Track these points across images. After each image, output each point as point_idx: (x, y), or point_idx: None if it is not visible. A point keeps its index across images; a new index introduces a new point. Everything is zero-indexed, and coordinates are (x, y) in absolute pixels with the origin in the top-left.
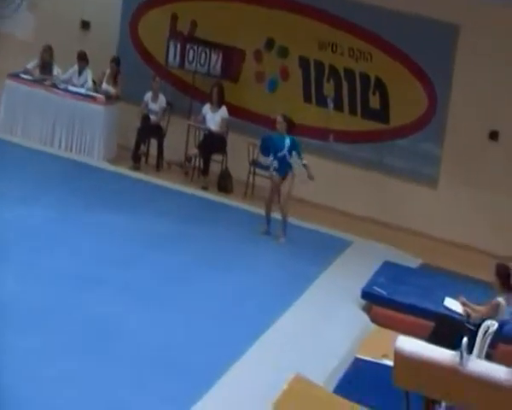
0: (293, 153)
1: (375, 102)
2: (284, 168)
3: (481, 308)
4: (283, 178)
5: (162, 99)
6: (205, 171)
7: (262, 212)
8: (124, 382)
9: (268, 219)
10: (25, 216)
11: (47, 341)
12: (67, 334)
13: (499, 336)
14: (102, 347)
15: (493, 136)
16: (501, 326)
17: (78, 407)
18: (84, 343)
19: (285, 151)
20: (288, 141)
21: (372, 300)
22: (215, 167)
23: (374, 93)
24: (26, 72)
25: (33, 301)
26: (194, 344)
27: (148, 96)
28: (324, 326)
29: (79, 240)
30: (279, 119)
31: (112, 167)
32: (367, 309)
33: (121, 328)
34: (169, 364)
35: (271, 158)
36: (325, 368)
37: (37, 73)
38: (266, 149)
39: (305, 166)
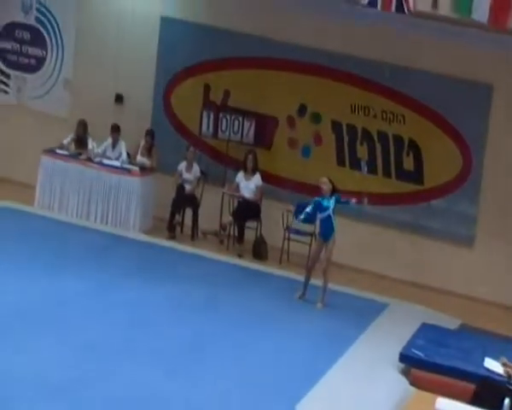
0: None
1: (409, 163)
2: (328, 231)
3: None
4: (324, 240)
5: (196, 168)
6: (240, 238)
7: (297, 278)
8: None
9: (306, 283)
10: (59, 287)
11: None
12: (99, 402)
13: None
14: None
15: None
16: None
17: None
18: None
19: (329, 211)
20: (332, 201)
21: (411, 363)
22: (250, 235)
23: (408, 154)
24: (62, 147)
25: (67, 370)
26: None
27: (183, 165)
28: (363, 391)
29: (114, 310)
30: (325, 180)
31: (148, 238)
32: (406, 372)
33: (156, 398)
34: None
35: (316, 220)
36: None
37: (72, 147)
38: (302, 211)
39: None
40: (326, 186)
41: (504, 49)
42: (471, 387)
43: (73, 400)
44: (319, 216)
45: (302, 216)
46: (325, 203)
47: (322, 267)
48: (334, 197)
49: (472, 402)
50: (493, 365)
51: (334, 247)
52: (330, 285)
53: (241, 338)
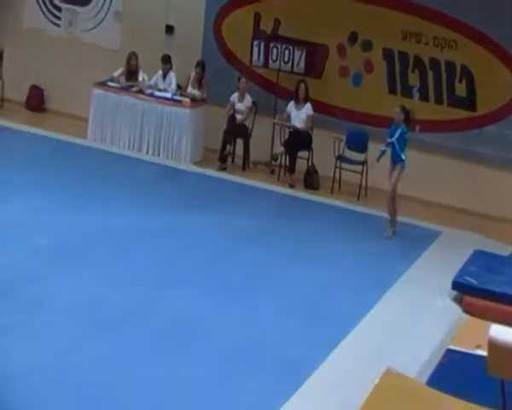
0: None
1: (461, 89)
2: (393, 158)
3: None
4: (393, 167)
5: (248, 99)
6: (291, 169)
7: (349, 206)
8: (212, 378)
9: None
10: (113, 219)
11: (132, 341)
12: (153, 333)
13: None
14: (188, 345)
15: None
16: None
17: (166, 406)
18: (170, 342)
19: (394, 139)
20: (398, 131)
21: (463, 290)
22: (301, 165)
23: (460, 81)
24: (113, 79)
25: (119, 302)
26: (285, 340)
27: (235, 96)
28: (416, 318)
29: (166, 240)
30: (397, 109)
31: (199, 169)
32: (459, 300)
33: (208, 326)
34: (261, 360)
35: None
36: (418, 360)
37: (123, 80)
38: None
39: (383, 152)
40: (396, 115)
41: None
42: None
43: (124, 332)
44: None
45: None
46: (393, 131)
47: (388, 195)
48: (400, 127)
49: None
50: None
51: (400, 175)
52: (379, 213)
53: (292, 269)
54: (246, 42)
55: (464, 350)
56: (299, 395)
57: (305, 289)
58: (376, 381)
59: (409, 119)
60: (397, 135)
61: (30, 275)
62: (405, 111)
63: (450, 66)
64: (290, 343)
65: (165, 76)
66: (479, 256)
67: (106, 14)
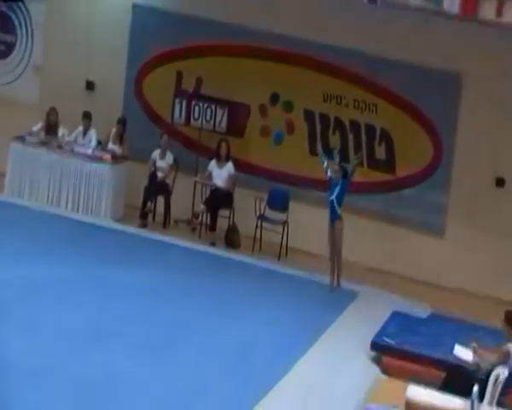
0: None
1: (380, 152)
2: (332, 215)
3: (491, 356)
4: (332, 225)
5: (170, 156)
6: (212, 227)
7: (269, 266)
8: None
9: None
10: (32, 275)
11: (51, 398)
12: (72, 389)
13: (510, 384)
14: (109, 401)
15: (499, 183)
16: (511, 374)
17: None
18: (91, 398)
19: (333, 197)
20: (337, 188)
21: (382, 350)
22: (222, 223)
23: (380, 144)
24: (32, 134)
25: (40, 358)
26: (202, 399)
27: (156, 153)
28: (334, 379)
29: (86, 297)
30: (335, 167)
31: (119, 226)
32: (377, 360)
33: (128, 382)
34: None
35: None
36: None
37: (42, 135)
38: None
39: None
40: (334, 173)
41: (473, 38)
42: (441, 374)
43: (41, 387)
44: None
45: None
46: (332, 188)
47: (332, 251)
48: (339, 184)
49: (440, 388)
50: (463, 351)
51: (341, 230)
52: (303, 273)
53: (213, 326)
54: (167, 99)
55: (380, 406)
56: None
57: (225, 345)
58: None
59: (346, 175)
60: (337, 192)
61: None
62: (343, 169)
63: (370, 128)
64: (210, 400)
65: (85, 132)
66: (397, 317)
67: (25, 67)
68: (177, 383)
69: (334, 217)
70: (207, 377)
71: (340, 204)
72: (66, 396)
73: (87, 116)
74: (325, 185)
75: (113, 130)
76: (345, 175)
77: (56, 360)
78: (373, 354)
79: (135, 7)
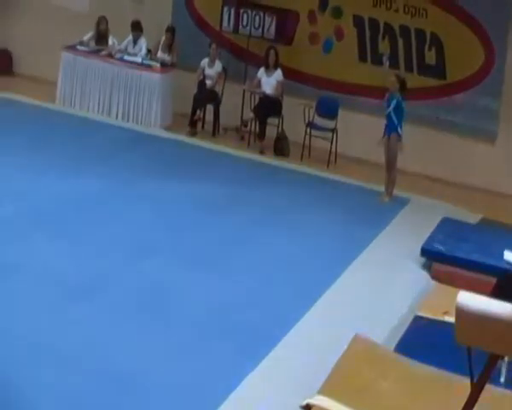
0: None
1: (431, 58)
2: (389, 128)
3: None
4: (388, 138)
5: (218, 64)
6: (261, 135)
7: (318, 173)
8: (183, 345)
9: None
10: (81, 186)
11: (103, 307)
12: (124, 300)
13: None
14: (161, 312)
15: None
16: None
17: (136, 370)
18: (142, 309)
19: (390, 109)
20: (394, 101)
21: (432, 257)
22: (271, 131)
23: (430, 49)
24: (82, 43)
25: (88, 270)
26: (254, 306)
27: (205, 61)
28: (384, 285)
29: (136, 208)
30: (392, 79)
31: (169, 134)
32: (427, 267)
33: (179, 293)
34: (230, 327)
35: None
36: (386, 327)
37: (93, 44)
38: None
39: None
40: (392, 85)
41: None
42: (492, 280)
43: (95, 300)
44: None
45: None
46: (389, 101)
47: (386, 164)
48: (396, 97)
49: (493, 295)
50: None
51: (396, 144)
52: (353, 181)
53: (262, 237)
54: (216, 7)
55: (432, 317)
56: (266, 364)
57: (277, 256)
58: (345, 347)
59: (404, 88)
60: (393, 105)
61: None
62: (400, 80)
63: (420, 34)
64: (261, 308)
65: (135, 42)
66: (447, 224)
67: None
68: (227, 293)
69: (390, 131)
70: (256, 285)
71: (399, 119)
72: (118, 308)
73: (137, 25)
74: (374, 92)
75: (163, 38)
76: (402, 87)
77: (108, 272)
78: (423, 260)
79: None
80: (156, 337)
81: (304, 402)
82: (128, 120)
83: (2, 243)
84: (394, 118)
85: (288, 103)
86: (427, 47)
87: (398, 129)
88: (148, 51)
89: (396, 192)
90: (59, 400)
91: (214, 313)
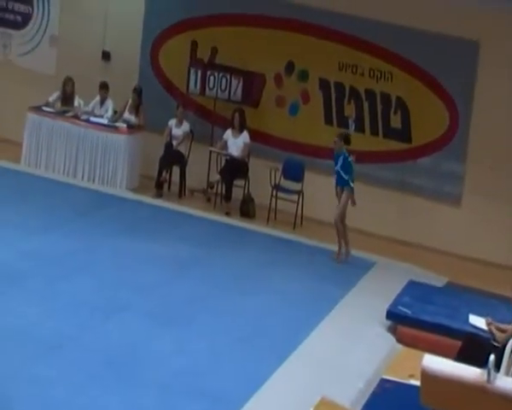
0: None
1: (396, 121)
2: (340, 183)
3: (508, 327)
4: (341, 191)
5: (186, 125)
6: (227, 197)
7: (284, 236)
8: (150, 407)
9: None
10: (46, 245)
11: (69, 370)
12: (90, 361)
13: None
14: (126, 373)
15: None
16: None
17: None
18: (108, 370)
19: (338, 168)
20: (341, 158)
21: (397, 320)
22: (237, 193)
23: (395, 113)
24: (48, 104)
25: (55, 330)
26: (219, 369)
27: (172, 122)
28: (350, 348)
29: (102, 268)
30: (335, 139)
31: (135, 196)
32: (392, 330)
33: (145, 354)
34: (195, 389)
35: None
36: (352, 390)
37: (58, 105)
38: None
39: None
40: (336, 145)
41: (490, 4)
42: (457, 343)
43: (63, 356)
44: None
45: None
46: (336, 159)
47: (336, 217)
48: (342, 154)
49: (456, 358)
50: (478, 321)
51: (347, 200)
52: (318, 243)
53: (227, 297)
54: (183, 69)
55: (398, 380)
56: None
57: (241, 316)
58: (311, 409)
59: (348, 142)
60: (340, 162)
61: None
62: (343, 137)
63: (386, 97)
64: (225, 371)
65: (102, 102)
66: (413, 286)
67: (42, 38)
68: (192, 354)
69: (342, 186)
70: (222, 347)
71: (349, 173)
72: (83, 367)
73: (104, 86)
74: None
75: (129, 100)
76: (346, 142)
77: (73, 331)
78: (388, 323)
79: None
80: (120, 399)
81: None
82: (94, 182)
83: None
84: (343, 174)
85: (254, 165)
86: (392, 111)
87: (350, 183)
88: (115, 112)
89: (362, 254)
90: None
91: (180, 374)
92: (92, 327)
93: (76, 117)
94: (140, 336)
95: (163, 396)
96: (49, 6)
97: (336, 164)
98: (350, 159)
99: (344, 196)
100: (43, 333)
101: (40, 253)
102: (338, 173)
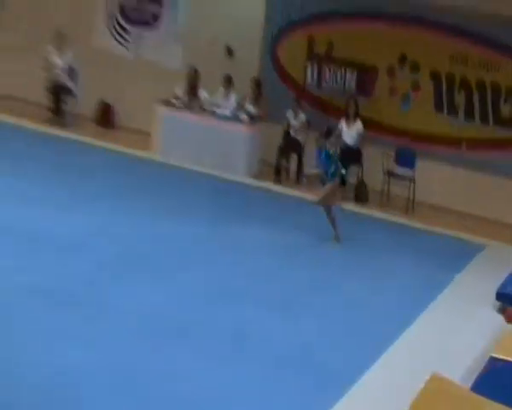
0: None
1: (506, 110)
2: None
3: None
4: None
5: (302, 116)
6: (342, 183)
7: (397, 220)
8: (264, 380)
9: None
10: (173, 231)
11: (193, 349)
12: (212, 342)
13: None
14: (243, 351)
15: None
16: None
17: (221, 399)
18: (225, 352)
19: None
20: (323, 153)
21: (507, 301)
22: (352, 179)
23: (505, 102)
24: (175, 98)
25: (176, 315)
26: (331, 348)
27: (290, 113)
28: (459, 327)
29: (221, 254)
30: (316, 138)
31: (255, 182)
32: (502, 311)
33: (259, 336)
34: (307, 367)
35: None
36: (461, 368)
37: (185, 98)
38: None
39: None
40: (317, 143)
41: None
42: None
43: (184, 342)
44: None
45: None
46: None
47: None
48: (323, 150)
49: None
50: None
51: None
52: (430, 228)
53: (344, 282)
54: (300, 64)
55: (508, 358)
56: (344, 402)
57: (353, 298)
58: (422, 385)
59: (329, 135)
60: (323, 156)
61: (94, 284)
62: (324, 134)
63: (496, 87)
64: (338, 349)
65: (226, 95)
66: None
67: (169, 35)
68: (302, 337)
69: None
70: (334, 329)
71: (334, 164)
72: (212, 351)
73: (228, 79)
74: (452, 142)
75: (250, 92)
76: (327, 136)
77: (192, 316)
78: (498, 304)
79: None
80: (240, 372)
81: None
82: (218, 169)
83: (104, 284)
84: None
85: (367, 152)
86: (502, 100)
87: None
88: (238, 104)
89: (473, 237)
90: None
91: (295, 351)
92: (210, 312)
93: (202, 109)
94: (252, 320)
95: (279, 370)
96: (177, 5)
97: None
98: (331, 151)
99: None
100: (164, 317)
101: (164, 239)
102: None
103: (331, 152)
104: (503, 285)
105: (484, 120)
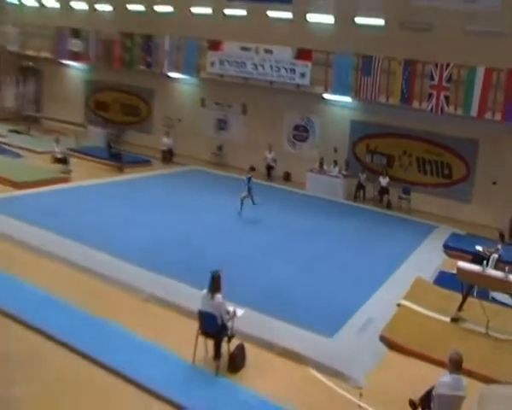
0: None
1: (444, 170)
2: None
3: (491, 249)
4: None
5: (365, 175)
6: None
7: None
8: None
9: None
10: (326, 246)
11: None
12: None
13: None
14: (323, 270)
15: None
16: None
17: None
18: (316, 268)
19: (249, 185)
20: (247, 181)
21: (447, 248)
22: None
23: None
24: (314, 169)
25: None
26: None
27: (361, 174)
28: (423, 267)
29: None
30: (248, 170)
31: (345, 201)
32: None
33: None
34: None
35: None
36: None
37: (321, 170)
38: None
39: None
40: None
41: None
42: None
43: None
44: None
45: None
46: (248, 182)
47: None
48: (249, 179)
49: (472, 262)
50: (479, 247)
51: None
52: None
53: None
54: (363, 154)
55: (451, 271)
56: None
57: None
58: (408, 288)
59: (252, 170)
60: (249, 184)
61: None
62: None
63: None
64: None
65: (334, 166)
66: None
67: (311, 145)
68: (338, 284)
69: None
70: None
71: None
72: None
73: (334, 162)
74: (423, 184)
75: (344, 166)
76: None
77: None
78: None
79: (351, 121)
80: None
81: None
82: (330, 196)
83: (267, 261)
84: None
85: (392, 191)
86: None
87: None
88: (338, 170)
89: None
90: None
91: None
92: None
93: (326, 173)
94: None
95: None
96: (314, 138)
97: (248, 185)
98: (251, 183)
99: None
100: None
101: (319, 252)
102: (249, 190)
103: (251, 183)
104: (445, 241)
105: (433, 174)
